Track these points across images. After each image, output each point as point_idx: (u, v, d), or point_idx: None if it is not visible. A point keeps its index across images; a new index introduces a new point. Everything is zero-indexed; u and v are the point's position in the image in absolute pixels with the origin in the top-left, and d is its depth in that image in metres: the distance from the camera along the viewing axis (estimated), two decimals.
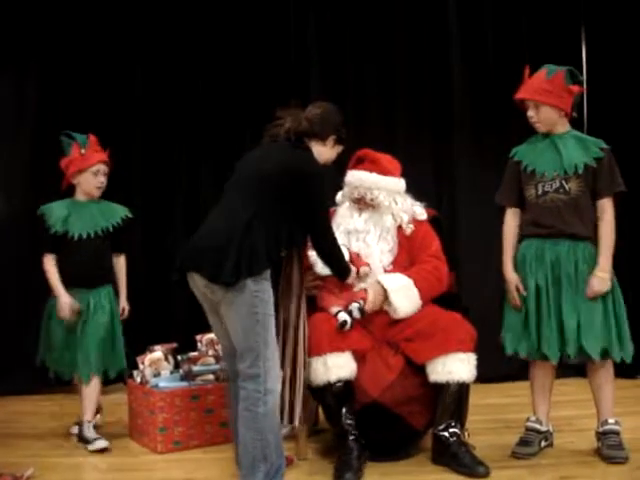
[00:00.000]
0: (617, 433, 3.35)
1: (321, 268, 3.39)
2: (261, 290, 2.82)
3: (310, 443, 3.56)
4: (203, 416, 3.68)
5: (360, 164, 3.60)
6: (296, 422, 3.18)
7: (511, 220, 3.50)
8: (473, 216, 4.99)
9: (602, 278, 3.28)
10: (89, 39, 5.00)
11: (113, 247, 3.91)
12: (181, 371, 3.81)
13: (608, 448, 3.31)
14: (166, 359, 3.86)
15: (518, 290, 3.37)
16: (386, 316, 3.42)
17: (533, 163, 3.40)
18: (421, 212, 3.63)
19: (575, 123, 5.07)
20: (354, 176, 3.57)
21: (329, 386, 3.24)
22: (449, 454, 3.25)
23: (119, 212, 3.93)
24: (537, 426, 3.45)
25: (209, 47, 5.09)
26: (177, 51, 5.07)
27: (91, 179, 3.80)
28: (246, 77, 5.05)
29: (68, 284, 3.72)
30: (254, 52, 5.07)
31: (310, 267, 3.42)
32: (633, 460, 3.28)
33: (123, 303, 4.01)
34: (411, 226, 3.57)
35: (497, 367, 4.60)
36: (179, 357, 3.86)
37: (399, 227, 3.55)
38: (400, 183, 3.61)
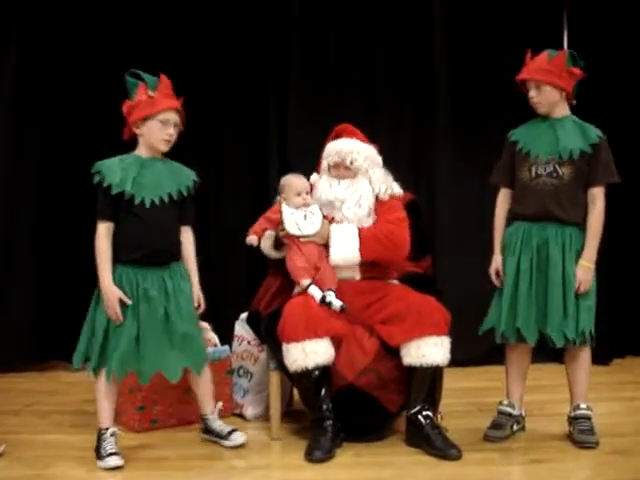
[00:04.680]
0: (589, 418, 3.39)
1: (289, 227, 3.42)
2: None
3: (284, 424, 3.57)
4: (181, 395, 3.64)
5: (338, 137, 3.62)
6: None
7: (503, 202, 3.52)
8: (451, 201, 5.00)
9: (587, 267, 3.30)
10: (71, 5, 4.92)
11: (180, 218, 3.29)
12: None
13: (579, 433, 3.35)
14: None
15: (498, 274, 3.44)
16: (361, 298, 3.43)
17: (529, 144, 3.41)
18: (399, 190, 3.63)
19: None
20: (333, 145, 3.59)
21: (307, 372, 3.25)
22: (422, 436, 3.27)
23: (189, 175, 3.31)
24: (509, 410, 3.48)
25: (193, 22, 5.01)
26: (159, 23, 4.99)
27: (158, 129, 3.15)
28: (229, 56, 5.00)
29: (134, 262, 3.14)
30: (237, 35, 5.01)
31: (280, 222, 3.45)
32: (604, 445, 3.31)
33: (197, 292, 3.33)
34: (389, 192, 3.57)
35: (471, 351, 4.65)
36: None
37: (376, 197, 3.55)
38: (378, 155, 3.63)
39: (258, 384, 3.82)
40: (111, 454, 3.11)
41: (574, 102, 3.46)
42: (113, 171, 3.11)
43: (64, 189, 4.92)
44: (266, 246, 3.54)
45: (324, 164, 3.62)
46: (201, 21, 4.99)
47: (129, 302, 3.09)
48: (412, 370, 3.30)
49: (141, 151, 3.23)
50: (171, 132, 3.19)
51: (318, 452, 3.18)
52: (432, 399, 3.37)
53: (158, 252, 3.18)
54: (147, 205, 3.13)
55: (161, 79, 3.20)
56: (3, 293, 4.80)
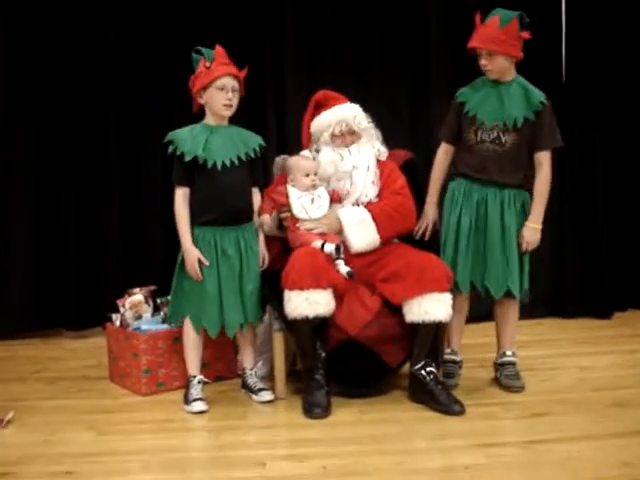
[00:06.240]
0: (514, 364, 3.58)
1: (297, 212, 3.43)
2: None
3: (288, 384, 3.59)
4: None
5: (324, 106, 3.58)
6: None
7: (444, 158, 3.63)
8: None
9: (534, 229, 3.44)
10: None
11: (251, 180, 3.48)
12: (162, 313, 3.82)
13: (506, 378, 3.55)
14: (146, 302, 3.86)
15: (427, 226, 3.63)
16: (362, 258, 3.44)
17: (475, 109, 3.47)
18: (384, 150, 3.64)
19: (554, 74, 5.04)
20: (330, 114, 3.54)
21: (306, 321, 3.26)
22: (426, 392, 3.31)
23: (256, 139, 3.50)
24: (454, 357, 3.64)
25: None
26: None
27: (217, 95, 3.33)
28: (220, 27, 4.91)
29: (211, 222, 3.36)
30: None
31: (284, 204, 3.46)
32: (605, 397, 3.38)
33: (263, 250, 3.52)
34: (385, 151, 3.61)
35: (472, 307, 4.66)
36: (158, 300, 3.87)
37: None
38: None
39: (262, 345, 3.84)
40: (197, 399, 3.37)
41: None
42: (184, 140, 3.34)
43: (62, 158, 4.87)
44: (272, 227, 3.53)
45: (324, 136, 3.56)
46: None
47: (206, 262, 3.33)
48: (415, 327, 3.33)
49: (209, 120, 3.43)
50: (229, 97, 3.36)
51: (318, 409, 3.24)
52: (435, 355, 3.42)
53: (231, 211, 3.38)
54: (219, 167, 3.34)
55: (216, 49, 3.39)
56: (4, 261, 4.79)
